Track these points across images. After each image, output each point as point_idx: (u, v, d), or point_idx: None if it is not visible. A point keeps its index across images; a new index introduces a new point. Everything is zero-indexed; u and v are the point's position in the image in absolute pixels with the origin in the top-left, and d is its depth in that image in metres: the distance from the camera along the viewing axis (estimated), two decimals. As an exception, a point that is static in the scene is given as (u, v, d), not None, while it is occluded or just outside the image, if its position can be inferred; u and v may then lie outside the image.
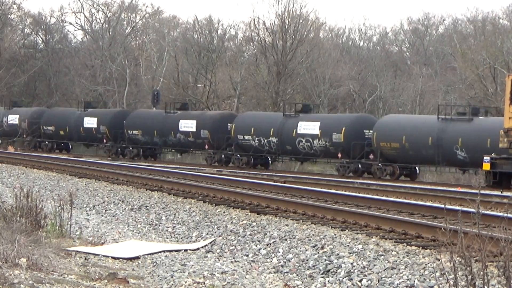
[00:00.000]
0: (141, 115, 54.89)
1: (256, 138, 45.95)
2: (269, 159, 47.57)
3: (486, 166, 32.81)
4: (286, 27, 67.94)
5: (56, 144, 60.51)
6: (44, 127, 60.31)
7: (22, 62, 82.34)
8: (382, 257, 12.53)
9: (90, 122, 57.11)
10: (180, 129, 50.29)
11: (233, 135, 47.05)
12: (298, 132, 43.81)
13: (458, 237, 8.82)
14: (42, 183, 28.70)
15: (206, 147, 48.62)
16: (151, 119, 53.10)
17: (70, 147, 61.36)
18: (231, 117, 49.80)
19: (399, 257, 12.40)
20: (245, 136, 46.50)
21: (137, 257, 13.91)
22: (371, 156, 41.00)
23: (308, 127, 43.46)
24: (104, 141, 55.72)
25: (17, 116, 62.48)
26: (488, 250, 9.66)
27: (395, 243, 13.41)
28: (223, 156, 47.69)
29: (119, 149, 54.55)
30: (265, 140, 45.66)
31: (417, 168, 40.98)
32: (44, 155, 48.45)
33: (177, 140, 50.88)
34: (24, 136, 60.61)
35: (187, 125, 50.01)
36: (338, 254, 13.09)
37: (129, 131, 53.89)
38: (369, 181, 35.32)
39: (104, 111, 60.91)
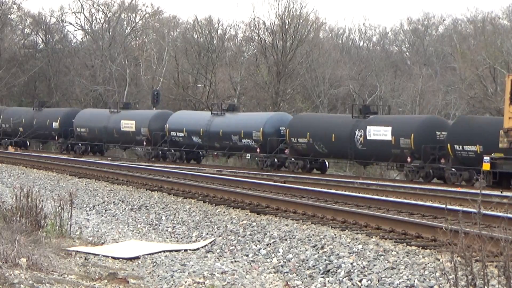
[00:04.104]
0: (183, 116, 52.05)
1: (314, 142, 43.12)
2: (326, 162, 45.26)
3: (486, 166, 32.70)
4: (286, 27, 67.91)
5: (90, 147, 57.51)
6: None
7: (22, 62, 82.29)
8: (382, 257, 12.53)
9: (127, 124, 54.32)
10: (230, 130, 47.42)
11: (288, 138, 44.20)
12: (368, 137, 40.49)
13: (459, 237, 8.82)
14: (42, 183, 28.70)
15: (258, 150, 45.78)
16: (196, 119, 50.28)
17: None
18: (284, 118, 46.69)
19: (399, 257, 12.40)
20: (299, 139, 43.65)
21: (137, 257, 13.91)
22: (442, 160, 37.96)
23: (379, 132, 40.08)
24: (144, 143, 52.55)
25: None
26: (488, 250, 9.67)
27: (395, 243, 13.41)
28: (276, 160, 45.08)
29: (160, 152, 51.53)
30: (324, 144, 42.77)
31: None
32: (43, 155, 48.34)
33: (233, 143, 47.43)
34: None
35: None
36: (338, 254, 13.09)
37: (171, 132, 50.86)
38: (369, 181, 35.24)
39: (143, 112, 57.45)
